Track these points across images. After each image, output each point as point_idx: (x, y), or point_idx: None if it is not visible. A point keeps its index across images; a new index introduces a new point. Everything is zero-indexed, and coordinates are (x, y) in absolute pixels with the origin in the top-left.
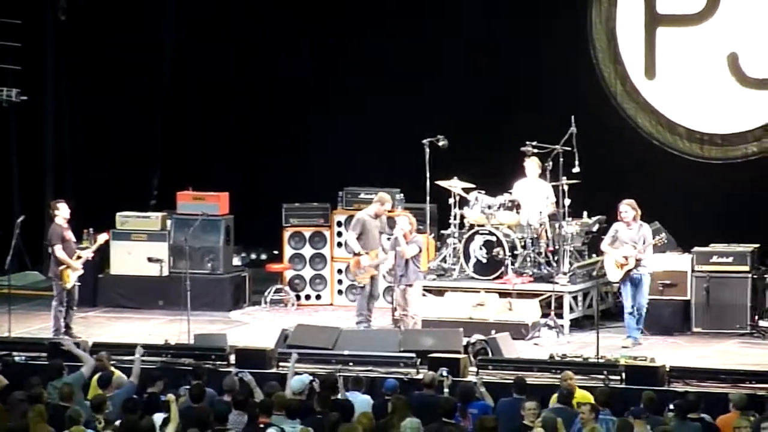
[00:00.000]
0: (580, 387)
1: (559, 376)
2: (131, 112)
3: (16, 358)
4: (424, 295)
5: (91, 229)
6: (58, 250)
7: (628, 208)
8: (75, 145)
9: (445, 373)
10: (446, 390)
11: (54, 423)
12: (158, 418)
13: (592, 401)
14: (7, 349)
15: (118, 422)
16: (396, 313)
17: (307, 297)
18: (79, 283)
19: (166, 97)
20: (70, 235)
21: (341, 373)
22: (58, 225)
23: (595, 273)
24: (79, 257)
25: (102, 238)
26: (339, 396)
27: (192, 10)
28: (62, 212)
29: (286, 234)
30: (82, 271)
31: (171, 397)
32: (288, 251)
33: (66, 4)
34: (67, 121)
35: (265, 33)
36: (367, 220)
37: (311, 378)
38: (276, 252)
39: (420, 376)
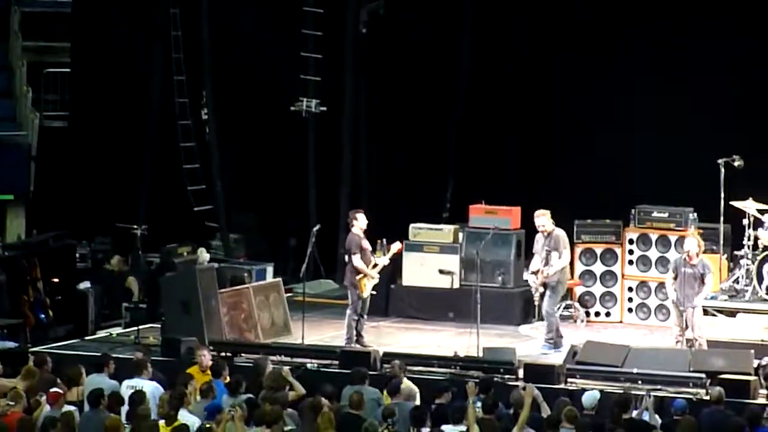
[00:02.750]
0: None
1: None
2: (426, 124)
3: (309, 366)
4: (714, 315)
5: (384, 240)
6: (357, 260)
7: None
8: (370, 156)
9: None
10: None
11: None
12: (448, 430)
13: None
14: (300, 356)
15: None
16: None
17: (597, 314)
18: (374, 293)
19: (460, 111)
20: (366, 244)
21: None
22: (356, 234)
23: None
24: (375, 265)
25: (395, 246)
26: (633, 415)
27: (487, 27)
28: (360, 222)
29: (578, 250)
30: (377, 280)
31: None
32: (579, 267)
33: (367, 17)
34: (364, 132)
35: (556, 50)
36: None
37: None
38: None
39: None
